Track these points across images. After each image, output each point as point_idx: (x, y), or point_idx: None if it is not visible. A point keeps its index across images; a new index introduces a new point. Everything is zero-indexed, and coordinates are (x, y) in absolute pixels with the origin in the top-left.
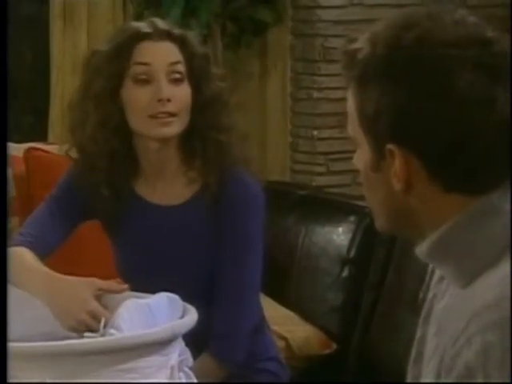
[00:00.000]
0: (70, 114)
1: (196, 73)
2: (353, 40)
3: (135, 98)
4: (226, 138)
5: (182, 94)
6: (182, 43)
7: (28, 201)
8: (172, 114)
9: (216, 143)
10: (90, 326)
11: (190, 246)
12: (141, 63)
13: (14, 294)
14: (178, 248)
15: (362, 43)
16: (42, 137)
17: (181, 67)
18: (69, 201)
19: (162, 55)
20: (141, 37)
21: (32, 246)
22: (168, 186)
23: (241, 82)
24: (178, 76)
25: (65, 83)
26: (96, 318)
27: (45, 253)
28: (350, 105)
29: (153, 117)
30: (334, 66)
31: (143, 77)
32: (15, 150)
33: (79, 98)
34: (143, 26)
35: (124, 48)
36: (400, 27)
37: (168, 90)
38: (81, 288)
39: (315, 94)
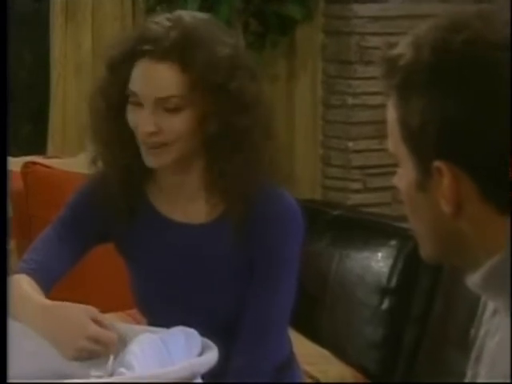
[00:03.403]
0: (90, 123)
1: (211, 86)
2: (393, 44)
3: (130, 118)
4: (257, 150)
5: (177, 123)
6: (187, 64)
7: (26, 222)
8: (161, 144)
9: (245, 156)
10: (92, 352)
11: (214, 271)
12: (131, 91)
13: (13, 327)
14: (200, 273)
15: (403, 48)
16: (41, 149)
17: (175, 100)
18: (80, 223)
19: (153, 85)
20: (141, 54)
21: (34, 274)
22: (190, 202)
23: (265, 86)
24: (172, 106)
25: (66, 88)
26: (99, 342)
27: (49, 282)
28: (391, 117)
29: (143, 143)
30: (371, 68)
31: (135, 100)
32: (12, 164)
33: (91, 102)
34: (152, 35)
35: (126, 62)
36: (447, 29)
37: (151, 122)
38: (76, 312)
39: (350, 100)
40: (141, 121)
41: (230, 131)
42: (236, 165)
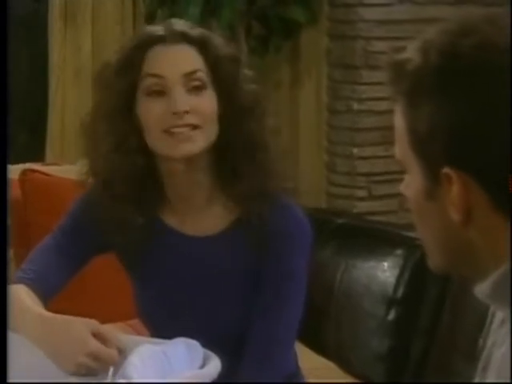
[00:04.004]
0: (82, 138)
1: (222, 78)
2: (400, 49)
3: (148, 111)
4: (265, 156)
5: (205, 102)
6: (202, 45)
7: (24, 230)
8: (193, 127)
9: (254, 162)
10: (91, 368)
11: (221, 284)
12: (152, 75)
13: (11, 338)
14: (206, 285)
15: (411, 52)
16: (39, 156)
17: (201, 74)
18: (81, 232)
19: (176, 64)
20: (152, 41)
21: (33, 285)
22: (199, 214)
23: (269, 91)
24: (197, 83)
25: (65, 94)
26: (99, 359)
27: (48, 292)
28: (399, 123)
29: (168, 132)
30: (377, 73)
31: (156, 88)
32: (9, 171)
33: (90, 119)
34: (156, 29)
35: (134, 57)
36: (456, 33)
37: (185, 100)
38: (77, 327)
39: (355, 106)
40: (170, 103)
41: (248, 107)
42: (250, 166)
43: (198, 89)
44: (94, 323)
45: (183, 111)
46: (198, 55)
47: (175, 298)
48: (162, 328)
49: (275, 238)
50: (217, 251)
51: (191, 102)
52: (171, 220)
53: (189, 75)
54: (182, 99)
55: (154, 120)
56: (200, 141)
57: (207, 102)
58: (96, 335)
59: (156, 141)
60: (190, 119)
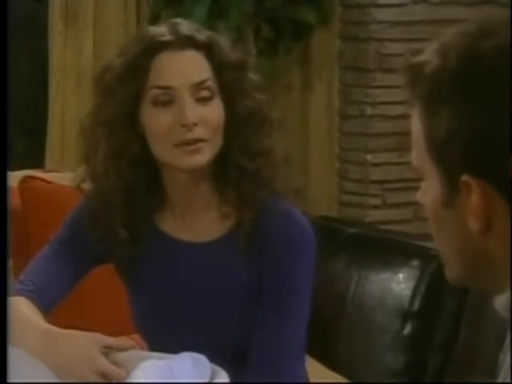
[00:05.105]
0: (81, 142)
1: (228, 85)
2: (417, 51)
3: (156, 123)
4: (264, 164)
5: (213, 113)
6: (209, 50)
7: (24, 240)
8: (201, 140)
9: (252, 170)
10: None
11: (221, 294)
12: (160, 87)
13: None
14: (206, 296)
15: (429, 55)
16: (39, 162)
17: (210, 84)
18: (79, 242)
19: (184, 73)
20: (158, 47)
21: (33, 296)
22: (198, 220)
23: (278, 95)
24: (206, 94)
25: (66, 98)
26: (107, 377)
27: (48, 304)
28: (416, 128)
29: (178, 145)
30: (391, 77)
31: (164, 98)
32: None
33: (90, 123)
34: (162, 31)
35: (139, 65)
36: (475, 35)
37: (194, 112)
38: (85, 344)
39: (368, 110)
40: (179, 114)
41: (253, 112)
42: (250, 172)
43: (206, 99)
44: (100, 339)
45: (193, 123)
46: (205, 61)
47: (172, 307)
48: (159, 339)
49: (275, 245)
50: (214, 258)
51: (200, 113)
52: (168, 227)
53: (198, 85)
54: (192, 111)
55: (162, 132)
56: (207, 153)
57: (215, 113)
58: (105, 348)
59: (164, 152)
60: (200, 131)
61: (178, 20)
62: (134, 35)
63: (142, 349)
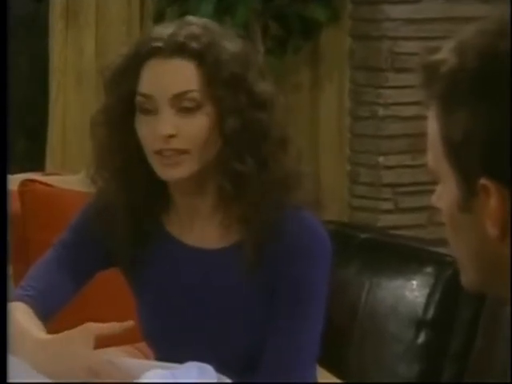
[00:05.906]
0: (91, 137)
1: (221, 97)
2: (433, 49)
3: (140, 129)
4: (276, 168)
5: (195, 125)
6: (202, 60)
7: (23, 245)
8: (181, 151)
9: (261, 174)
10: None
11: (231, 302)
12: (142, 94)
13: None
14: (215, 303)
15: (446, 53)
16: (39, 164)
17: (193, 95)
18: (83, 247)
19: (166, 83)
20: (149, 53)
21: (33, 303)
22: (207, 225)
23: (287, 95)
24: (189, 105)
25: (66, 99)
26: (97, 375)
27: (49, 310)
28: (432, 130)
29: (158, 153)
30: (404, 76)
31: (147, 106)
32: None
33: (94, 122)
34: (160, 34)
35: (130, 68)
36: (494, 33)
37: (171, 123)
38: (77, 342)
39: (381, 111)
40: (156, 125)
41: (249, 127)
42: (258, 178)
43: (189, 110)
44: (92, 329)
45: (168, 135)
46: (195, 71)
47: (178, 314)
48: (166, 349)
49: (289, 252)
50: (222, 265)
51: (179, 124)
52: (176, 230)
53: (179, 96)
54: (168, 122)
55: (144, 139)
56: (188, 166)
57: (197, 126)
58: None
59: (150, 159)
60: (176, 144)
61: (189, 19)
62: (138, 36)
63: (148, 358)
